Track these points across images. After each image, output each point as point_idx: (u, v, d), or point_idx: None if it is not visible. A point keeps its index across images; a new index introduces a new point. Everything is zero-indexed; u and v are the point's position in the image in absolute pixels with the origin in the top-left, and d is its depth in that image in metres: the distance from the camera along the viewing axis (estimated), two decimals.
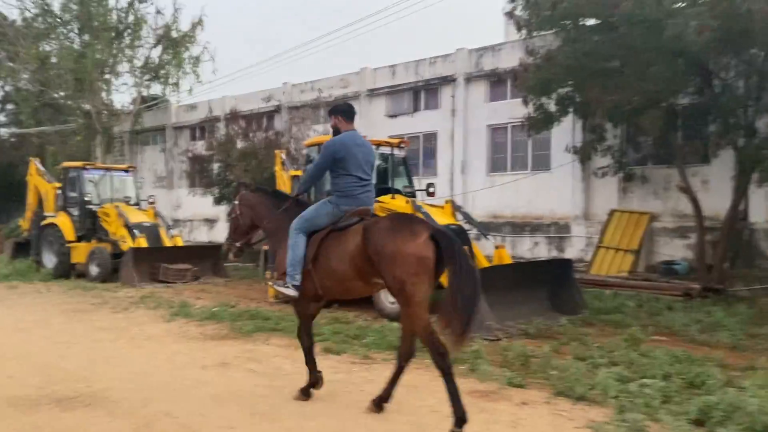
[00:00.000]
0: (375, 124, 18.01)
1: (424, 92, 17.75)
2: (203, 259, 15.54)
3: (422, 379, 5.63)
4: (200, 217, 23.77)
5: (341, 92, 19.28)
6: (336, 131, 5.20)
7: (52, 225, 16.28)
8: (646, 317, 8.74)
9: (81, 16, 22.78)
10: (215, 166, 20.22)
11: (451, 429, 4.21)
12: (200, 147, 23.15)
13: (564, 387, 5.10)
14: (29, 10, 23.31)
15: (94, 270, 14.98)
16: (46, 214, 17.27)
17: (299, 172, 13.20)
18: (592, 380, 5.23)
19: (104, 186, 16.73)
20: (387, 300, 9.38)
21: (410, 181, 11.38)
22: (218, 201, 20.73)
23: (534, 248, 14.75)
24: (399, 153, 11.39)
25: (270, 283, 6.09)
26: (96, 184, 16.43)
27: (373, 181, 5.24)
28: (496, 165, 16.28)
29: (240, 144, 19.61)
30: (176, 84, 25.95)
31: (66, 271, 15.61)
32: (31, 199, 19.07)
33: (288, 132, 20.52)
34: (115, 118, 25.85)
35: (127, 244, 14.87)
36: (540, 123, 12.13)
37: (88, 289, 13.10)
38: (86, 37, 23.97)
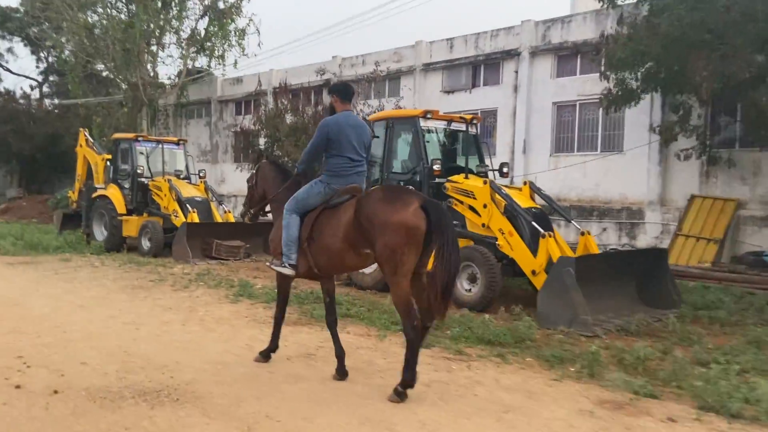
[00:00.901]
0: (430, 100, 17.28)
1: (483, 67, 16.92)
2: (255, 235, 15.15)
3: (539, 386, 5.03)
4: (245, 192, 23.28)
5: (395, 66, 18.56)
6: (332, 110, 5.30)
7: (103, 197, 16.06)
8: (754, 314, 7.97)
9: None
10: (262, 140, 19.76)
11: (396, 387, 4.57)
12: (246, 121, 22.73)
13: (711, 400, 4.45)
14: None
15: (146, 244, 14.71)
16: (96, 185, 17.06)
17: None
18: (741, 392, 4.57)
19: (155, 158, 16.40)
20: (462, 287, 8.83)
21: (482, 160, 10.69)
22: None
23: (602, 234, 13.95)
24: (471, 130, 10.71)
25: (268, 264, 6.04)
26: (147, 157, 16.11)
27: (368, 159, 5.39)
28: (561, 145, 15.44)
29: (289, 119, 19.11)
30: (222, 57, 25.45)
31: (117, 244, 15.40)
32: (80, 170, 18.88)
33: None
34: (161, 91, 25.55)
35: (179, 218, 14.55)
36: (620, 100, 11.28)
37: (141, 264, 12.83)
38: (132, 7, 23.58)
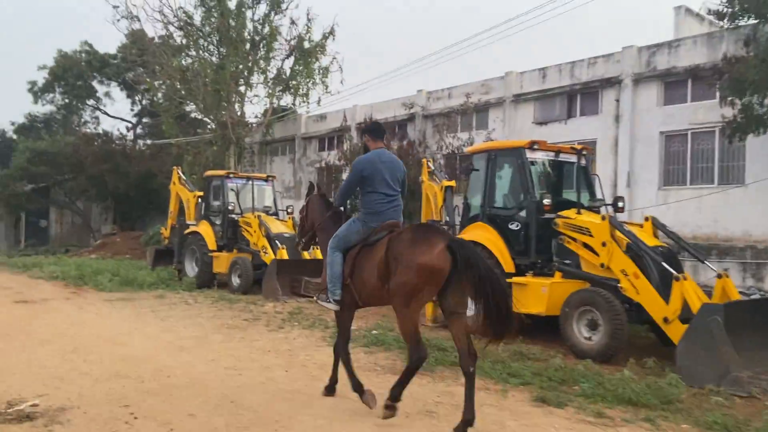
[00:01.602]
0: (521, 132, 16.62)
1: (580, 97, 16.13)
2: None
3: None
4: None
5: (483, 98, 18.04)
6: (366, 149, 5.64)
7: (195, 233, 16.24)
8: None
9: (220, 27, 23.14)
10: (345, 176, 19.61)
11: (386, 400, 4.86)
12: (330, 157, 22.74)
13: None
14: (172, 24, 24.04)
15: (236, 281, 14.66)
16: (188, 222, 17.32)
17: (451, 183, 12.10)
18: None
19: (245, 195, 16.50)
20: (581, 335, 8.01)
21: (594, 194, 9.89)
22: (354, 211, 20.08)
23: None
24: (581, 161, 9.97)
25: (314, 298, 6.56)
26: (237, 193, 16.20)
27: (401, 194, 5.53)
28: (671, 177, 14.34)
29: None
30: (306, 95, 25.83)
31: (208, 280, 15.45)
32: (172, 207, 19.30)
33: (423, 141, 19.61)
34: (247, 129, 26.12)
35: (268, 255, 14.43)
36: (746, 127, 10.23)
37: (233, 301, 12.69)
38: (223, 49, 24.38)
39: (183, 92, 24.99)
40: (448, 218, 11.35)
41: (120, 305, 11.94)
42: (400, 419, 5.06)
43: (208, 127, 27.21)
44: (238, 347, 8.04)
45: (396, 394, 4.88)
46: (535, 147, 9.37)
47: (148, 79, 27.06)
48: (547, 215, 9.01)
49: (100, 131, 32.81)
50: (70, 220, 35.86)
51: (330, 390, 5.78)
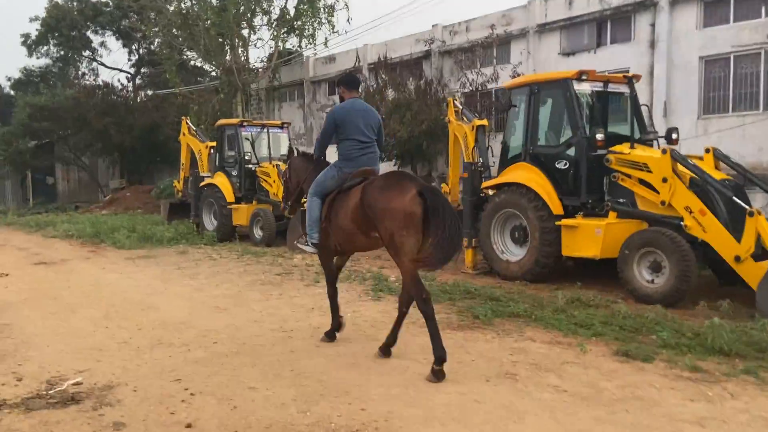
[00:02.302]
0: (546, 64, 15.75)
1: (610, 23, 15.16)
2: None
3: None
4: None
5: (504, 30, 17.04)
6: (341, 100, 5.74)
7: (211, 186, 15.67)
8: None
9: None
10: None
11: (432, 366, 4.72)
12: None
13: None
14: None
15: (258, 233, 14.20)
16: (202, 174, 16.73)
17: (484, 122, 11.41)
18: None
19: (260, 143, 15.85)
20: (643, 278, 7.52)
21: (644, 127, 9.21)
22: None
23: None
24: (626, 91, 9.25)
25: (295, 242, 6.78)
26: (252, 142, 15.53)
27: (377, 142, 5.69)
28: (711, 105, 13.56)
29: (390, 94, 18.06)
30: (312, 36, 24.69)
31: (228, 233, 15.01)
32: (183, 159, 18.69)
33: (441, 79, 18.73)
34: (253, 75, 25.13)
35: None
36: None
37: (259, 254, 12.24)
38: None
39: (182, 39, 23.86)
40: (481, 159, 10.74)
41: (143, 263, 11.50)
42: (483, 385, 4.61)
43: (212, 73, 26.22)
44: (278, 306, 7.59)
45: (437, 352, 4.76)
46: (584, 77, 8.64)
47: (143, 27, 25.92)
48: (598, 151, 8.41)
49: (100, 83, 31.65)
50: (76, 176, 35.29)
51: (330, 335, 5.93)
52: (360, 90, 6.04)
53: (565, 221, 8.49)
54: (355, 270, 10.22)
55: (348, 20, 26.75)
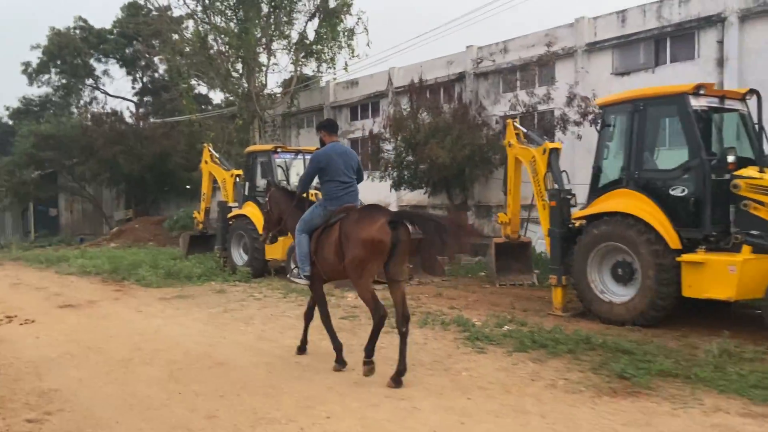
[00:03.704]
0: (597, 85, 14.85)
1: (670, 40, 14.31)
2: (413, 253, 13.18)
3: None
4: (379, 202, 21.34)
5: (544, 50, 16.18)
6: (322, 143, 6.28)
7: (241, 216, 14.53)
8: None
9: None
10: (390, 146, 17.84)
11: (364, 359, 5.75)
12: (374, 125, 20.87)
13: None
14: None
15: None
16: (230, 204, 15.62)
17: (557, 144, 10.43)
18: None
19: (295, 171, 14.79)
20: None
21: (760, 147, 8.21)
22: (397, 186, 18.42)
23: None
24: (741, 108, 8.28)
25: (288, 275, 8.09)
26: (286, 169, 14.47)
27: (357, 180, 6.23)
28: None
29: (426, 118, 17.11)
30: (332, 59, 23.84)
31: (262, 268, 13.83)
32: (205, 188, 17.60)
33: (476, 101, 17.84)
34: (271, 101, 24.21)
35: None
36: None
37: (306, 292, 10.96)
38: (241, 13, 22.27)
39: (198, 64, 22.93)
40: (557, 185, 9.71)
41: (182, 305, 10.30)
42: None
43: (223, 100, 25.30)
44: (381, 369, 6.40)
45: (369, 350, 5.71)
46: (701, 92, 7.65)
47: (161, 51, 25.03)
48: (717, 176, 7.39)
49: (109, 110, 30.63)
50: (80, 207, 34.01)
51: (301, 350, 6.72)
52: (338, 134, 6.55)
53: (687, 257, 7.41)
54: (426, 312, 9.07)
55: (368, 44, 25.86)
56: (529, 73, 16.36)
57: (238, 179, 16.08)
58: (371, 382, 5.68)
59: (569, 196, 9.12)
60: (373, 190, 18.13)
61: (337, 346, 6.17)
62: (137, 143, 27.78)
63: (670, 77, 13.97)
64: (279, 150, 14.66)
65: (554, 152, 10.16)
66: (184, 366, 6.38)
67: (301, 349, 6.67)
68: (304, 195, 6.67)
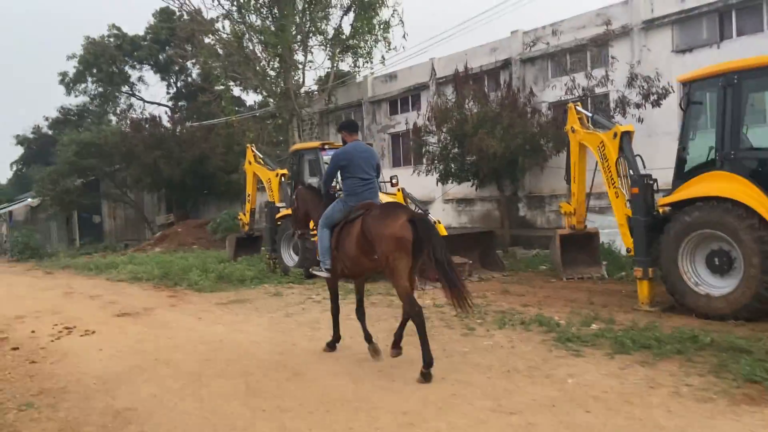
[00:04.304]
0: (656, 64, 14.02)
1: (735, 13, 13.43)
2: (471, 249, 12.66)
3: None
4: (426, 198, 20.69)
5: (597, 31, 15.41)
6: (344, 142, 6.65)
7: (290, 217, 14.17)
8: None
9: None
10: (435, 138, 17.22)
11: (421, 370, 5.54)
12: (418, 118, 20.34)
13: None
14: None
15: None
16: (278, 205, 15.28)
17: (629, 127, 9.73)
18: None
19: None
20: None
21: None
22: (444, 179, 17.79)
23: None
24: None
25: (310, 270, 8.29)
26: None
27: (378, 178, 6.61)
28: None
29: (474, 108, 16.45)
30: (369, 54, 23.32)
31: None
32: (250, 189, 17.33)
33: (523, 88, 17.13)
34: (308, 98, 23.84)
35: None
36: None
37: (366, 293, 10.57)
38: (276, 11, 21.91)
39: (236, 64, 22.66)
40: (632, 171, 9.05)
41: (240, 310, 9.97)
42: None
43: (265, 98, 25.04)
44: (475, 378, 5.91)
45: (427, 359, 5.57)
46: None
47: (197, 53, 24.85)
48: None
49: (148, 115, 30.70)
50: (123, 213, 34.27)
51: (331, 346, 6.91)
52: (358, 133, 6.82)
53: None
54: (499, 311, 8.54)
55: (404, 36, 25.22)
56: (582, 56, 15.60)
57: (283, 179, 15.74)
58: (469, 394, 5.19)
59: (651, 182, 8.46)
60: (418, 184, 17.61)
61: (336, 338, 6.82)
62: (176, 147, 27.73)
63: (738, 52, 13.05)
64: (326, 147, 14.24)
65: (626, 136, 9.48)
66: (260, 378, 5.98)
67: (369, 342, 6.56)
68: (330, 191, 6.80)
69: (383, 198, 13.06)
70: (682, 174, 8.08)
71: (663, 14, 14.42)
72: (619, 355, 6.04)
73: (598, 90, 14.10)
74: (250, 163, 17.01)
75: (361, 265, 6.08)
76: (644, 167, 9.23)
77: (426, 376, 5.46)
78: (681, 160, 8.12)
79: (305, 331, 8.02)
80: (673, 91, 13.40)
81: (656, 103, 13.36)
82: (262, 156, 16.94)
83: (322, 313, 9.20)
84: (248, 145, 17.49)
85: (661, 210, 8.30)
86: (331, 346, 6.82)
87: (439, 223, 13.35)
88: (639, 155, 9.34)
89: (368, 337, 6.51)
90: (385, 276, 5.80)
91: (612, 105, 14.02)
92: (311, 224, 7.19)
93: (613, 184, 9.55)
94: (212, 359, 6.84)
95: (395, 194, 13.76)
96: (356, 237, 5.88)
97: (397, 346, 6.10)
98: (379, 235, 5.57)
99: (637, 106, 13.53)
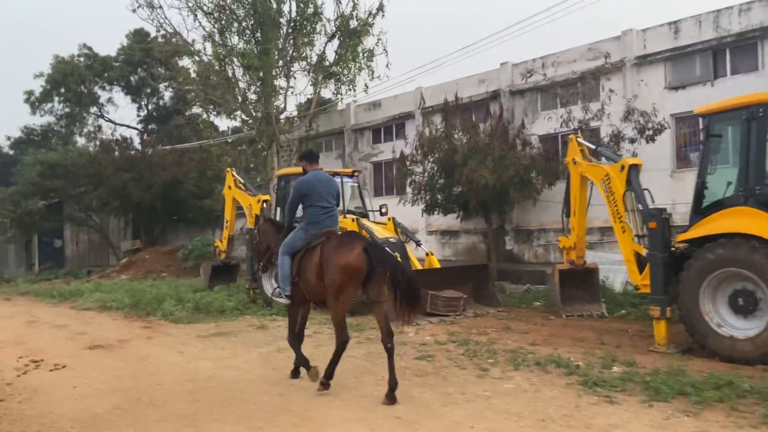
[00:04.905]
0: (648, 100, 13.97)
1: (729, 51, 13.50)
2: (464, 282, 12.14)
3: None
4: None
5: (589, 66, 15.39)
6: (304, 172, 6.76)
7: None
8: None
9: (259, 6, 20.22)
10: (421, 168, 16.86)
11: (321, 380, 6.21)
12: (392, 148, 20.03)
13: None
14: (202, 8, 21.01)
15: None
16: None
17: (637, 160, 9.46)
18: None
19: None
20: None
21: None
22: (430, 210, 17.40)
23: None
24: None
25: (270, 294, 8.45)
26: None
27: (338, 206, 6.77)
28: None
29: (463, 138, 16.18)
30: (352, 81, 23.00)
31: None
32: (228, 215, 16.55)
33: (512, 120, 16.98)
34: (289, 124, 23.34)
35: None
36: None
37: (357, 328, 9.94)
38: (259, 35, 21.48)
39: (216, 87, 22.07)
40: (641, 206, 8.75)
41: (225, 344, 9.22)
42: None
43: (244, 122, 24.44)
44: (506, 427, 5.33)
45: (330, 371, 6.12)
46: None
47: (172, 78, 24.17)
48: None
49: (119, 137, 29.70)
50: (86, 238, 32.87)
51: (294, 374, 6.95)
52: (318, 162, 6.90)
53: None
54: (507, 350, 8.02)
55: (387, 65, 25.01)
56: (573, 89, 15.51)
57: (265, 204, 15.07)
58: None
59: (667, 216, 8.15)
60: (400, 214, 17.10)
61: (304, 362, 6.64)
62: (147, 170, 26.83)
63: (732, 90, 13.09)
64: None
65: (634, 169, 9.20)
66: (264, 424, 5.32)
67: (295, 373, 6.86)
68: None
69: (373, 228, 12.63)
70: (701, 209, 7.78)
71: (656, 50, 14.46)
72: (655, 402, 5.56)
73: (593, 123, 13.93)
74: (230, 187, 16.28)
75: (321, 293, 6.16)
76: (653, 201, 8.95)
77: (324, 386, 6.10)
78: (699, 195, 7.82)
79: (302, 369, 7.34)
80: (669, 127, 13.34)
81: (651, 139, 13.24)
82: (243, 181, 16.27)
83: (317, 348, 8.55)
84: (228, 169, 16.80)
85: (675, 246, 7.96)
86: (295, 373, 6.88)
87: (432, 254, 12.87)
88: (647, 189, 9.06)
89: (305, 362, 6.61)
90: (329, 300, 5.97)
91: (606, 139, 13.86)
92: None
93: (619, 219, 9.22)
94: (203, 400, 6.12)
95: (386, 223, 13.28)
96: (316, 265, 6.05)
97: (392, 395, 5.78)
98: (333, 264, 5.81)
99: (632, 141, 13.40)
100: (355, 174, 14.43)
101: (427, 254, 12.74)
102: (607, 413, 5.31)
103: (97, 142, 28.86)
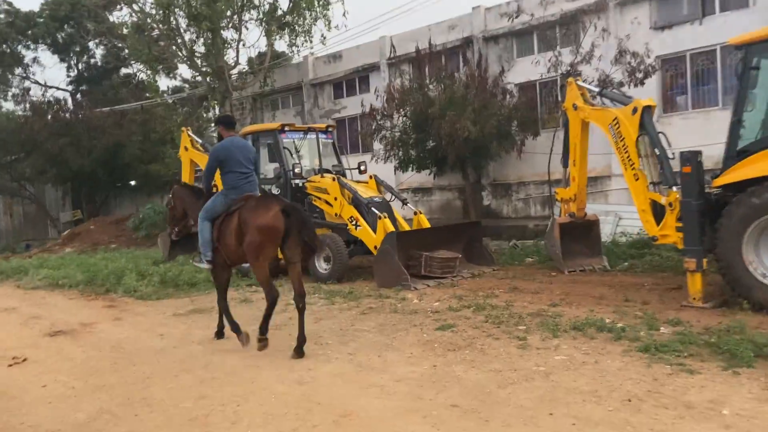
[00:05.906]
0: (632, 41, 13.31)
1: None
2: (455, 242, 11.36)
3: None
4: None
5: (572, 6, 14.59)
6: (220, 137, 6.94)
7: None
8: None
9: None
10: (392, 122, 15.92)
11: (257, 337, 6.29)
12: (360, 102, 18.84)
13: None
14: None
15: (322, 267, 11.06)
16: None
17: (650, 102, 8.76)
18: None
19: (306, 153, 12.73)
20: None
21: None
22: (404, 167, 16.51)
23: None
24: None
25: (191, 261, 8.41)
26: (295, 152, 12.36)
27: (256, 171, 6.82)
28: None
29: (437, 89, 15.25)
30: (308, 32, 21.50)
31: (274, 268, 11.64)
32: (186, 178, 15.08)
33: (487, 68, 16.09)
34: (242, 79, 21.74)
35: (361, 228, 10.89)
36: None
37: (351, 298, 9.07)
38: None
39: (161, 37, 20.18)
40: (657, 150, 8.11)
41: (210, 324, 8.11)
42: None
43: (194, 77, 22.66)
44: (593, 412, 4.56)
45: (263, 328, 6.24)
46: None
47: (108, 32, 22.02)
48: None
49: (51, 99, 27.19)
50: (21, 210, 30.42)
51: (219, 335, 7.10)
52: (235, 128, 7.04)
53: None
54: (533, 314, 7.29)
55: (344, 14, 23.56)
56: (551, 33, 14.71)
57: None
58: None
59: (701, 159, 7.50)
60: (372, 173, 16.15)
61: (236, 328, 6.57)
62: (85, 134, 24.72)
63: (721, 29, 12.63)
64: (286, 128, 12.48)
65: (647, 111, 8.52)
66: (298, 425, 4.37)
67: (219, 335, 7.08)
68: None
69: (356, 187, 11.64)
70: (734, 152, 7.15)
71: None
72: (738, 368, 4.91)
73: (580, 68, 13.19)
74: (186, 149, 14.82)
75: (242, 257, 6.26)
76: (669, 146, 8.31)
77: (262, 342, 6.21)
78: (734, 134, 7.18)
79: (315, 350, 6.38)
80: (658, 69, 12.75)
81: (640, 82, 12.62)
82: (201, 141, 14.84)
83: (317, 323, 7.62)
84: (183, 128, 15.32)
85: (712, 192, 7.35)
86: (219, 334, 7.05)
87: (421, 213, 11.99)
88: (662, 132, 8.41)
89: (236, 328, 6.58)
90: (249, 260, 6.13)
91: (593, 84, 13.15)
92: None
93: (631, 166, 8.56)
94: (211, 396, 5.12)
95: (367, 182, 12.30)
96: (235, 228, 6.09)
97: (300, 350, 6.04)
98: (250, 225, 5.87)
99: (621, 84, 12.76)
100: (330, 129, 13.27)
101: (415, 213, 11.86)
102: (695, 386, 4.62)
103: (27, 105, 26.25)
